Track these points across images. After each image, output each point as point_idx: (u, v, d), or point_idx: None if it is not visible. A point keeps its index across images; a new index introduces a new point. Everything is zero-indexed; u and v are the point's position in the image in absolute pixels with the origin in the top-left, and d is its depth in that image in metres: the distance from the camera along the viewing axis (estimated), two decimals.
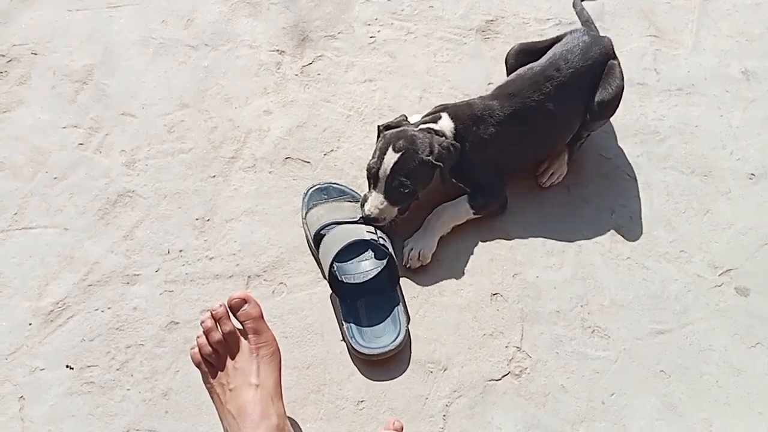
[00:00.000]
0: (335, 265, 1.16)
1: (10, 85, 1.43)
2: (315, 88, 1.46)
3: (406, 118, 1.26)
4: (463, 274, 1.22)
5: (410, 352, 1.14)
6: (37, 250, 1.22)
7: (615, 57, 1.28)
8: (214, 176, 1.32)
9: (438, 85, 1.46)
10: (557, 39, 1.32)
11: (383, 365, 1.12)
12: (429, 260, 1.21)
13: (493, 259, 1.24)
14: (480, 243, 1.25)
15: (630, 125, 1.40)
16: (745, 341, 1.15)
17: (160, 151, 1.35)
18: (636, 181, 1.33)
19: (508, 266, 1.23)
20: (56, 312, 1.15)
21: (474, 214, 1.24)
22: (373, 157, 1.18)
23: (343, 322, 1.13)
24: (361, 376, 1.11)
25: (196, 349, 0.97)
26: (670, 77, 1.47)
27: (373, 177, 1.17)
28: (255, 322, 0.95)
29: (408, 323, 1.15)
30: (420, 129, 1.19)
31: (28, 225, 1.25)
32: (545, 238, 1.26)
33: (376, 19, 1.57)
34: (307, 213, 1.23)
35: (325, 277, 1.15)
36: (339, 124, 1.40)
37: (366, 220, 1.17)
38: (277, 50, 1.51)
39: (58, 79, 1.44)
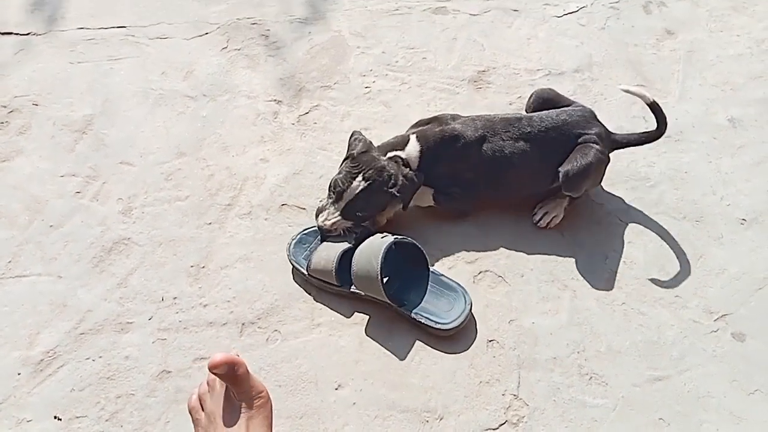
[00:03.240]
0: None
1: (11, 135, 1.45)
2: (311, 136, 1.48)
3: (371, 144, 1.28)
4: None
5: (407, 399, 1.12)
6: (29, 298, 1.21)
7: (598, 144, 1.27)
8: (210, 223, 1.33)
9: None
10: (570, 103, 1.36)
11: (380, 414, 1.10)
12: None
13: (488, 305, 1.23)
14: (475, 288, 1.25)
15: (621, 171, 1.42)
16: (743, 387, 1.14)
17: (156, 198, 1.36)
18: (628, 226, 1.34)
19: (504, 312, 1.22)
20: (46, 361, 1.14)
21: (435, 204, 1.32)
22: (340, 173, 1.24)
23: (418, 320, 1.17)
24: (356, 425, 1.09)
25: (196, 395, 0.95)
26: None
27: (336, 194, 1.23)
28: (237, 383, 0.92)
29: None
30: (389, 158, 1.25)
31: (22, 273, 1.25)
32: (540, 283, 1.26)
33: (371, 70, 1.61)
34: (309, 266, 1.22)
35: (383, 299, 1.17)
36: (335, 172, 1.41)
37: (320, 230, 1.24)
38: (274, 100, 1.55)
39: (58, 129, 1.47)
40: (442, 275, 1.22)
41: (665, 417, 1.11)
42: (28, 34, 1.65)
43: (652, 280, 1.27)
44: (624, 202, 1.38)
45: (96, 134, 1.47)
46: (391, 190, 1.22)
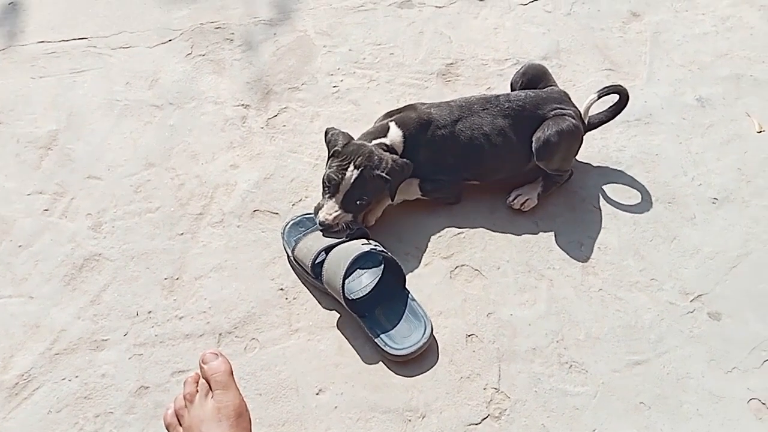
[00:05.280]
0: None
1: None
2: (281, 139, 1.47)
3: (350, 135, 1.28)
4: (438, 316, 1.21)
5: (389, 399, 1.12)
6: (1, 321, 1.19)
7: (574, 119, 1.31)
8: (182, 234, 1.31)
9: None
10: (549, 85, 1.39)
11: (362, 417, 1.10)
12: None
13: (466, 299, 1.23)
14: (452, 283, 1.25)
15: (593, 157, 1.43)
16: (721, 366, 1.15)
17: (126, 212, 1.34)
18: (602, 212, 1.35)
19: (482, 305, 1.22)
20: (21, 384, 1.12)
21: (422, 195, 1.33)
22: (330, 168, 1.23)
23: (373, 337, 1.15)
24: (338, 429, 1.09)
25: (171, 410, 0.94)
26: (627, 108, 1.48)
27: (332, 187, 1.22)
28: (224, 376, 0.92)
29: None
30: (375, 145, 1.25)
31: None
32: (517, 274, 1.26)
33: (338, 69, 1.60)
34: (294, 249, 1.23)
35: (341, 302, 1.16)
36: (306, 174, 1.41)
37: (321, 226, 1.22)
38: (242, 105, 1.53)
39: (23, 147, 1.44)
40: (414, 300, 1.20)
41: (646, 401, 1.12)
42: None
43: (628, 265, 1.27)
44: (597, 188, 1.38)
45: (62, 149, 1.44)
46: (381, 173, 1.21)
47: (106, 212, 1.34)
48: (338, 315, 1.21)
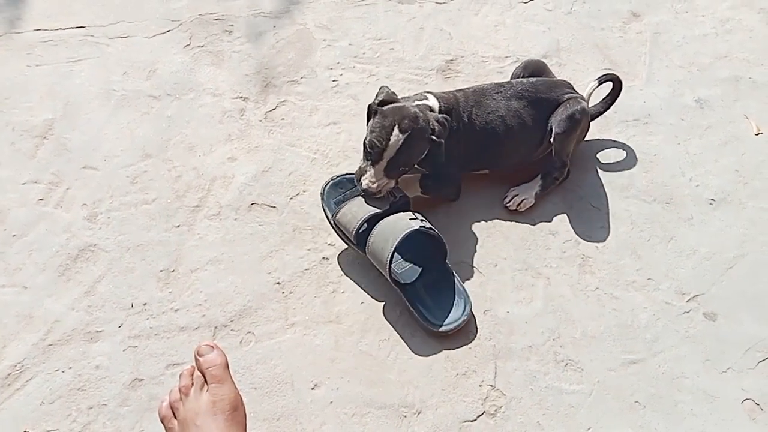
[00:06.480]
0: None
1: None
2: (279, 132, 1.46)
3: (395, 94, 1.24)
4: None
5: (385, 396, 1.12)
6: None
7: (584, 101, 1.35)
8: (178, 226, 1.31)
9: None
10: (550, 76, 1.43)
11: (357, 412, 1.09)
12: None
13: None
14: None
15: (591, 156, 1.43)
16: (716, 367, 1.15)
17: (122, 203, 1.33)
18: (600, 211, 1.35)
19: (479, 303, 1.22)
20: (14, 375, 1.11)
21: (422, 193, 1.30)
22: (372, 132, 1.17)
23: (411, 308, 1.17)
24: (333, 425, 1.08)
25: (166, 403, 0.94)
26: (626, 108, 1.50)
27: (375, 154, 1.17)
28: (219, 370, 0.92)
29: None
30: (417, 105, 1.21)
31: None
32: (514, 272, 1.26)
33: (338, 63, 1.59)
34: (336, 214, 1.21)
35: (385, 275, 1.16)
36: (304, 168, 1.40)
37: (364, 192, 1.19)
38: (241, 97, 1.52)
39: (18, 135, 1.43)
40: (455, 276, 1.20)
41: (641, 400, 1.12)
42: None
43: (625, 264, 1.27)
44: (594, 186, 1.38)
45: (58, 139, 1.43)
46: (430, 136, 1.18)
47: (101, 203, 1.33)
48: (334, 310, 1.20)
